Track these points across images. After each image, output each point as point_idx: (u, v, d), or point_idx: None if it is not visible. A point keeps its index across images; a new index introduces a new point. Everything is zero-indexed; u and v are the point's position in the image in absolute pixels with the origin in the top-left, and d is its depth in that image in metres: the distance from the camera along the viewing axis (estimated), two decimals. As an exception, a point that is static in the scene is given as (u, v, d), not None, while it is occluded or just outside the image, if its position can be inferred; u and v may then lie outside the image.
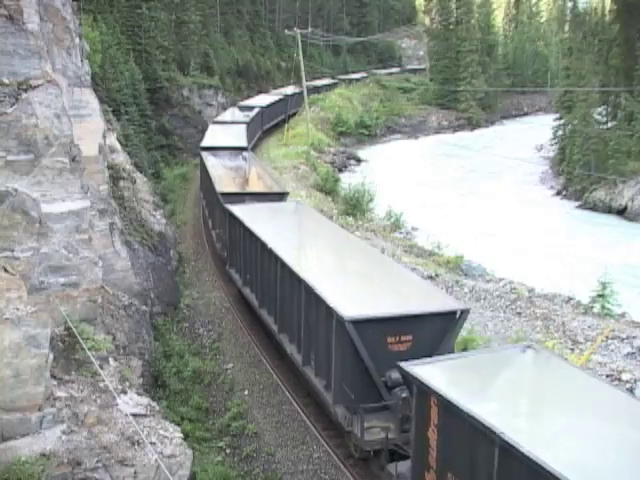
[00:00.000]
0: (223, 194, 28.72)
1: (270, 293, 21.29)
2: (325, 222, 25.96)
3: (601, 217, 50.27)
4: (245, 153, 37.98)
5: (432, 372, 12.55)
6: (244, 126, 48.16)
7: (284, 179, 43.76)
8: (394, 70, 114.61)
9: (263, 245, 21.47)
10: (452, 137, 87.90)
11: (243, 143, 41.36)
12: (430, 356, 14.23)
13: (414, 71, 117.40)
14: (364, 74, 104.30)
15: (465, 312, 15.64)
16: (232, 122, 51.12)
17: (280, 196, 29.08)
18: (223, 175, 33.34)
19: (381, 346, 14.88)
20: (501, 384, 12.81)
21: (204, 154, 37.79)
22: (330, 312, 15.56)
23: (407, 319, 15.07)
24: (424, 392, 12.12)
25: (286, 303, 19.60)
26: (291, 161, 52.41)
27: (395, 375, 14.35)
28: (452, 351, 15.66)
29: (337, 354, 15.52)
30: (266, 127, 63.34)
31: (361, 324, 14.72)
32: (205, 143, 41.05)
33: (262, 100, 66.75)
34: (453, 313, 15.43)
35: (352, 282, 18.22)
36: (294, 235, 23.74)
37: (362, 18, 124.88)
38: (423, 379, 12.14)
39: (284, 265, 19.38)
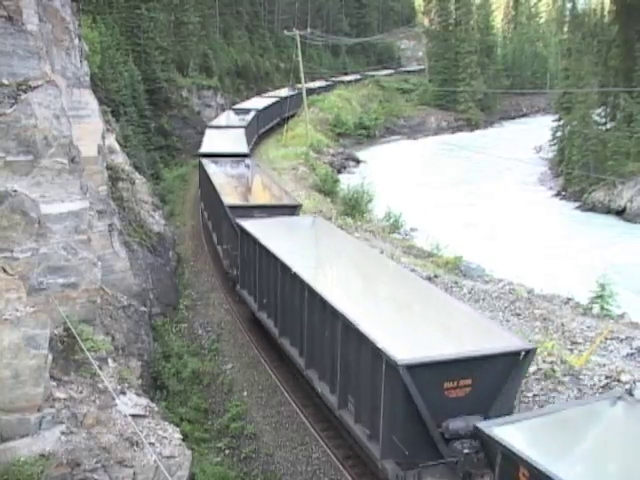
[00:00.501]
0: (231, 207, 26.45)
1: (294, 323, 18.95)
2: (347, 239, 23.72)
3: (600, 218, 50.27)
4: (248, 160, 36.05)
5: (515, 434, 11.11)
6: (242, 130, 46.77)
7: (283, 180, 43.77)
8: (389, 72, 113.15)
9: (285, 267, 19.20)
10: (451, 138, 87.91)
11: (244, 149, 39.74)
12: (491, 402, 13.34)
13: (409, 72, 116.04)
14: (358, 76, 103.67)
15: (531, 352, 13.80)
16: (230, 126, 49.62)
17: (293, 209, 26.67)
18: (227, 186, 31.38)
19: (437, 392, 13.07)
20: (591, 444, 11.31)
21: (204, 161, 35.81)
22: (378, 354, 13.50)
23: (466, 362, 13.26)
24: (511, 460, 10.60)
25: (316, 336, 17.34)
26: (290, 162, 52.37)
27: (453, 425, 12.99)
28: (515, 396, 14.36)
29: (386, 401, 13.54)
30: (262, 131, 61.64)
31: (416, 369, 12.77)
32: (204, 149, 39.35)
33: (257, 103, 65.24)
34: (517, 354, 13.73)
35: (392, 314, 16.07)
36: (317, 255, 21.64)
37: (361, 19, 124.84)
38: (510, 445, 10.66)
39: (314, 293, 17.12)
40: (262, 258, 21.53)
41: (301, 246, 21.72)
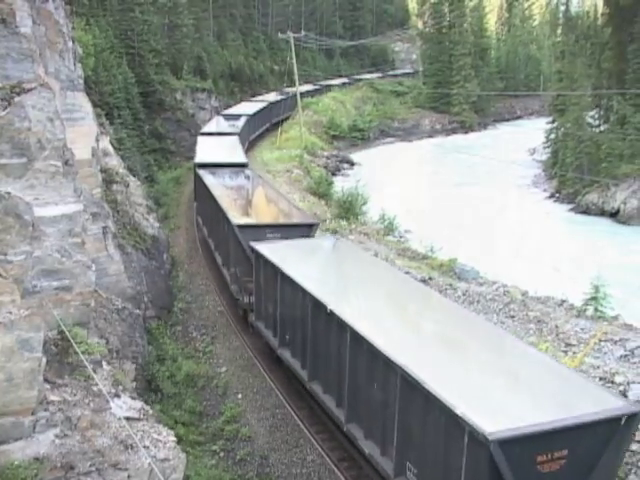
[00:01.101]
0: (241, 227, 23.70)
1: (329, 368, 16.49)
2: (376, 264, 21.50)
3: (594, 220, 50.39)
4: (247, 171, 33.83)
5: None
6: (236, 137, 45.03)
7: (277, 182, 43.76)
8: (377, 75, 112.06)
9: (317, 303, 16.81)
10: (445, 140, 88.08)
11: (242, 158, 37.34)
12: (588, 476, 11.66)
13: (398, 76, 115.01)
14: (346, 80, 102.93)
15: (636, 417, 11.71)
16: (222, 133, 47.46)
17: (309, 228, 23.91)
18: (227, 198, 29.29)
19: (529, 467, 11.19)
20: None
21: (201, 172, 33.42)
22: (456, 422, 11.36)
23: (563, 432, 11.34)
24: None
25: (361, 388, 14.86)
26: (284, 165, 52.39)
27: None
28: (617, 465, 12.36)
29: (467, 478, 11.42)
30: (252, 137, 59.71)
31: (508, 444, 10.78)
32: (200, 159, 36.46)
33: (247, 108, 63.22)
34: (618, 419, 11.74)
35: (452, 362, 13.66)
36: (349, 286, 19.12)
37: (355, 22, 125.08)
38: None
39: (359, 338, 14.64)
40: (285, 289, 19.08)
41: (327, 274, 19.83)
